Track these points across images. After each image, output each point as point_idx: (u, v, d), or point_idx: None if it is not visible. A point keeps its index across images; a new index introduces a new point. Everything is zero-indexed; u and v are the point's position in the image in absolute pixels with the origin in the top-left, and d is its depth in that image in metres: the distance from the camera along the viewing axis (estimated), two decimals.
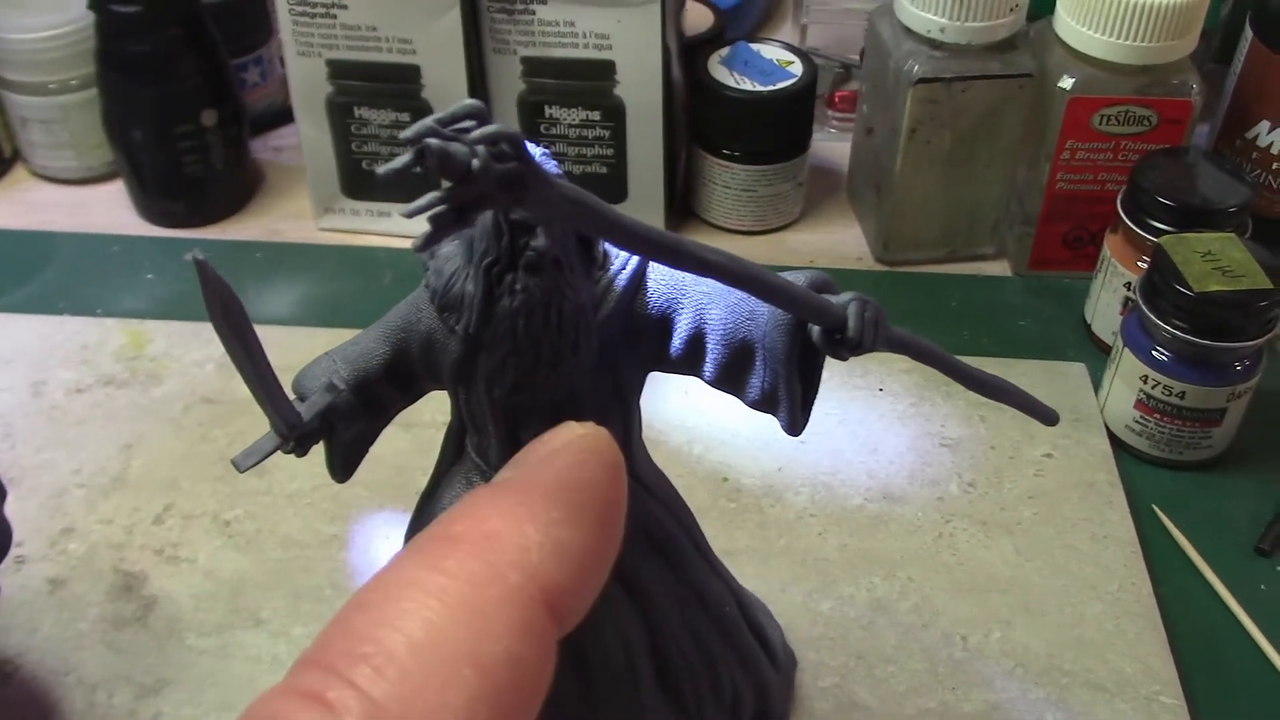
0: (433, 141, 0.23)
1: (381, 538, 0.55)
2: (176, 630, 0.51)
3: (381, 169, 0.23)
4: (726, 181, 0.70)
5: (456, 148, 0.23)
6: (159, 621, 0.52)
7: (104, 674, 0.50)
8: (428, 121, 0.23)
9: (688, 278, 0.34)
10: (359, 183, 0.70)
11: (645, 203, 0.69)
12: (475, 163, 0.23)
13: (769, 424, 0.59)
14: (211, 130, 0.70)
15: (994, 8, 0.62)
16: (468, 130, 0.23)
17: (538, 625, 0.20)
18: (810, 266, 0.66)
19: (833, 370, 0.33)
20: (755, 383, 0.33)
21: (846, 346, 0.30)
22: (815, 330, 0.31)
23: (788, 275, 0.30)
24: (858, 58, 0.80)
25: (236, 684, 0.49)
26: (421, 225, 0.24)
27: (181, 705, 0.49)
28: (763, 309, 0.32)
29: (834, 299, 0.31)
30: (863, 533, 0.55)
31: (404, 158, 0.23)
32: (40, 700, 0.49)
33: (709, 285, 0.34)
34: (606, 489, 0.23)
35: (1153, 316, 0.56)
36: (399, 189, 0.70)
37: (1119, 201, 0.62)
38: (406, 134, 0.23)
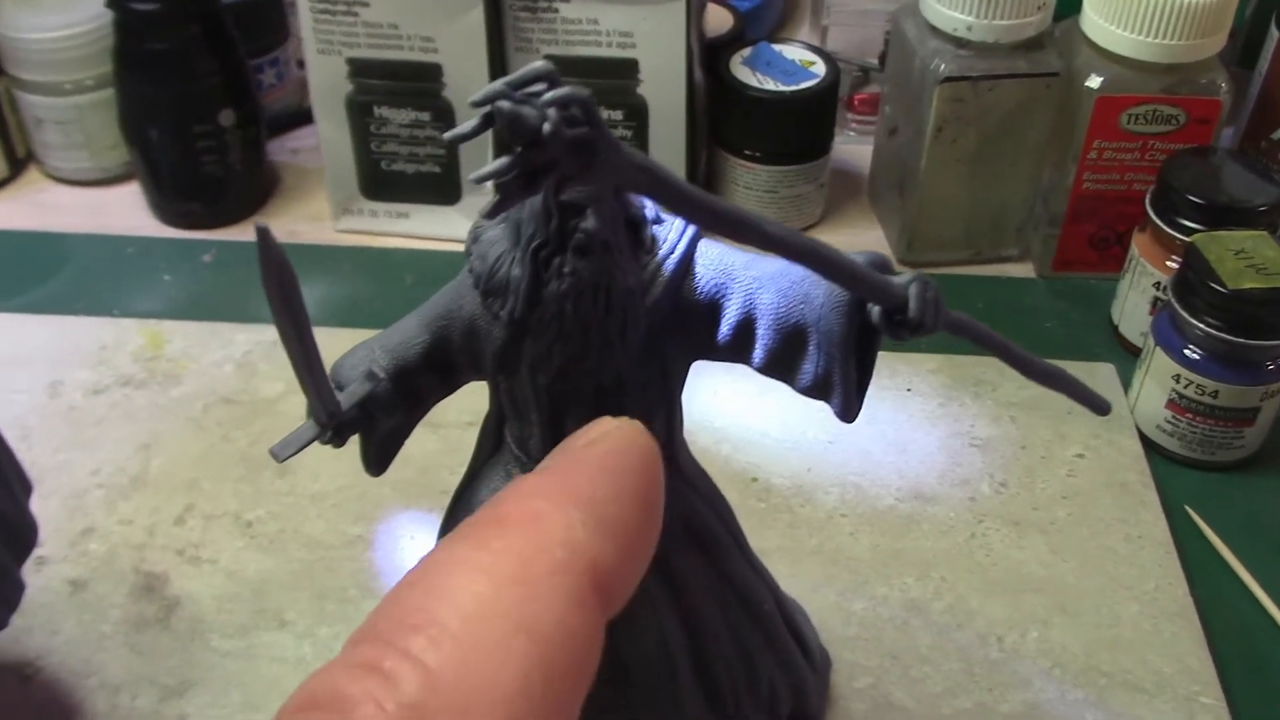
0: (504, 104, 0.22)
1: (406, 538, 0.54)
2: (200, 631, 0.50)
3: (449, 133, 0.23)
4: (748, 182, 0.70)
5: (528, 111, 0.22)
6: (182, 623, 0.51)
7: (127, 676, 0.49)
8: (498, 84, 0.22)
9: (736, 263, 0.34)
10: (379, 183, 0.70)
11: None
12: (547, 126, 0.22)
13: (798, 424, 0.59)
14: (230, 130, 0.69)
15: (1021, 6, 0.61)
16: (538, 94, 0.22)
17: (587, 599, 0.20)
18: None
19: None
20: (808, 368, 0.33)
21: (907, 327, 0.30)
22: (875, 311, 0.30)
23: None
24: (876, 61, 0.79)
25: (262, 685, 0.48)
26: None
27: (206, 707, 0.48)
28: (817, 293, 0.32)
29: (894, 279, 0.30)
30: (894, 533, 0.54)
31: (472, 122, 0.23)
32: (62, 702, 0.48)
33: (759, 270, 0.33)
34: (646, 473, 0.23)
35: (1185, 314, 0.56)
36: (420, 190, 0.70)
37: (1148, 200, 0.61)
38: (476, 97, 0.22)
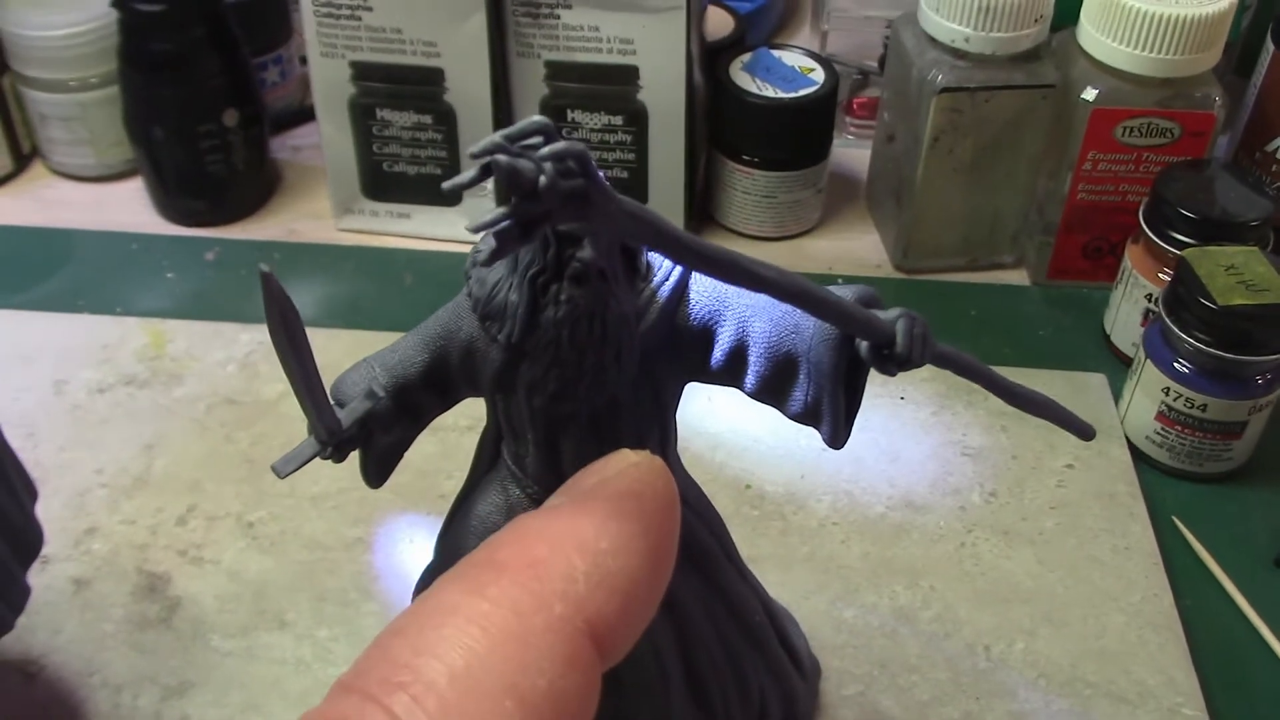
0: (501, 158, 0.23)
1: (405, 541, 0.55)
2: (201, 632, 0.51)
3: (447, 184, 0.23)
4: (747, 187, 0.71)
5: (524, 164, 0.23)
6: (183, 623, 0.52)
7: (129, 675, 0.50)
8: (496, 137, 0.23)
9: (730, 291, 0.34)
10: (380, 184, 0.71)
11: (665, 208, 0.69)
12: (543, 180, 0.23)
13: (791, 432, 0.60)
14: (233, 129, 0.70)
15: (1018, 18, 0.62)
16: (535, 147, 0.23)
17: (583, 657, 0.20)
18: (846, 282, 0.67)
19: None
20: (799, 396, 0.33)
21: (895, 362, 0.31)
22: (863, 345, 0.31)
23: (834, 290, 0.31)
24: (876, 64, 0.80)
25: (262, 686, 0.49)
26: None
27: (207, 707, 0.49)
28: (808, 323, 0.32)
29: (881, 314, 0.31)
30: (885, 541, 0.55)
31: (470, 173, 0.23)
32: (65, 701, 0.49)
33: (752, 298, 0.34)
34: (659, 522, 0.22)
35: (1175, 329, 0.56)
36: (422, 191, 0.70)
37: (1141, 213, 0.62)
38: (474, 149, 0.23)
